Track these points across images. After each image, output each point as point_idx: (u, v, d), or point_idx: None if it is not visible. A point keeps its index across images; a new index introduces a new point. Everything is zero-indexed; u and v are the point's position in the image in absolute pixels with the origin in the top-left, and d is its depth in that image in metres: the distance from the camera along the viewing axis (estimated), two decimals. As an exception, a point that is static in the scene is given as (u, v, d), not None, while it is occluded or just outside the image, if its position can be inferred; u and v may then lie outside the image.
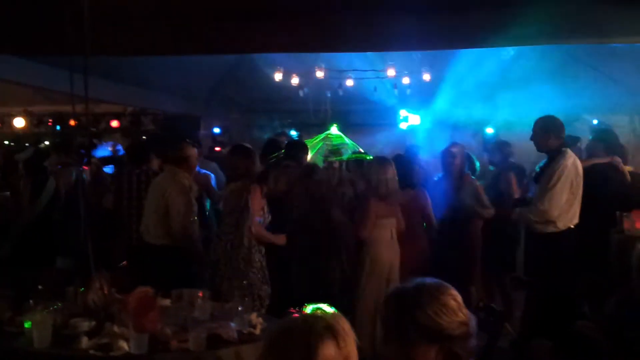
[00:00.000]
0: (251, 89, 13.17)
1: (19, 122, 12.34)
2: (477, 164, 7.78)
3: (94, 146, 10.17)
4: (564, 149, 5.87)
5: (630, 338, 3.59)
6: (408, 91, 11.91)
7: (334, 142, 11.83)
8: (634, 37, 5.98)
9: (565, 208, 5.76)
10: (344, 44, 6.66)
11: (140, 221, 6.45)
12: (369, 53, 10.62)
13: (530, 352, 5.13)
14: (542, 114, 6.10)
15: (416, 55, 11.11)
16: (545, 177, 5.84)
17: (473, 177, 7.34)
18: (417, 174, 7.21)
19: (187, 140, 6.64)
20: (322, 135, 12.59)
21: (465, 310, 2.43)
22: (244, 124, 14.60)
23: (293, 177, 6.47)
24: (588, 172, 6.14)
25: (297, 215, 6.29)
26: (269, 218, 5.90)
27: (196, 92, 13.28)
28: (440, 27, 6.10)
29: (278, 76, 11.44)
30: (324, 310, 2.18)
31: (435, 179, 7.50)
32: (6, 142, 13.14)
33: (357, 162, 7.97)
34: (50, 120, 12.37)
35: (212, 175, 7.49)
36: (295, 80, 11.75)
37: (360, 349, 2.20)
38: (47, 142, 11.69)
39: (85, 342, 3.73)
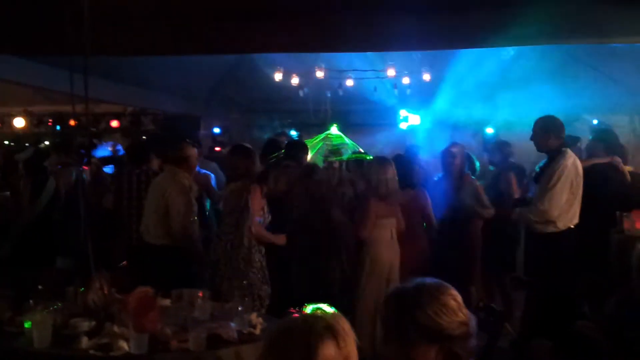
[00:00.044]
0: (251, 89, 13.17)
1: (19, 122, 12.34)
2: (477, 164, 7.78)
3: (94, 146, 10.17)
4: (564, 149, 5.87)
5: (630, 338, 3.59)
6: (408, 91, 11.92)
7: (334, 142, 11.84)
8: (634, 37, 5.98)
9: (565, 208, 5.76)
10: (344, 44, 6.66)
11: (140, 221, 6.45)
12: (368, 53, 10.62)
13: (530, 352, 5.13)
14: (542, 114, 6.10)
15: (416, 55, 11.11)
16: (545, 177, 5.85)
17: (473, 177, 7.35)
18: (417, 174, 7.21)
19: (187, 140, 6.64)
20: (322, 136, 12.59)
21: (465, 310, 2.43)
22: (244, 124, 14.60)
23: (293, 177, 6.47)
24: (588, 172, 6.14)
25: (297, 215, 6.29)
26: (269, 218, 5.90)
27: (196, 92, 13.28)
28: (440, 27, 6.10)
29: (278, 76, 11.44)
30: (323, 310, 2.18)
31: (436, 179, 7.51)
32: (6, 142, 13.14)
33: (357, 162, 7.97)
34: (50, 120, 12.38)
35: (212, 175, 7.49)
36: (295, 80, 11.75)
37: (360, 349, 2.19)
38: (47, 142, 11.69)
39: (85, 342, 3.73)
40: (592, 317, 5.65)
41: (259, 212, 5.76)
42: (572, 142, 6.97)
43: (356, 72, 11.63)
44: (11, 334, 3.96)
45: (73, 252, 6.41)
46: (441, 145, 7.66)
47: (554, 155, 5.86)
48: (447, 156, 7.11)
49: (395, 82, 11.65)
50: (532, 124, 6.05)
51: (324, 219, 6.29)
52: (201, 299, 4.37)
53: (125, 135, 12.17)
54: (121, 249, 7.00)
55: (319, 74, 11.31)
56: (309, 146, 8.17)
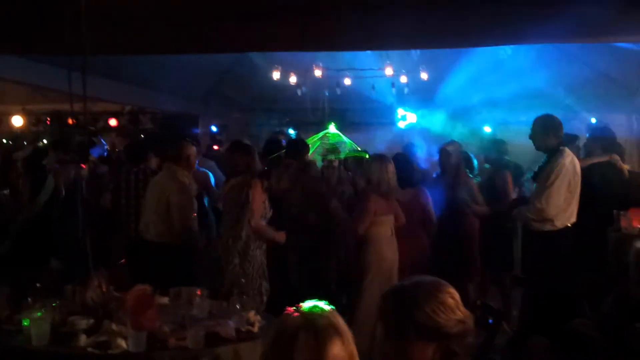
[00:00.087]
0: (249, 88, 13.17)
1: (17, 121, 12.34)
2: (475, 162, 7.79)
3: (93, 145, 10.17)
4: (562, 147, 5.88)
5: (627, 336, 3.60)
6: (406, 90, 11.91)
7: (331, 141, 11.85)
8: (633, 36, 6.00)
9: (563, 207, 5.77)
10: (344, 43, 6.67)
11: (138, 220, 6.45)
12: (366, 52, 10.63)
13: (527, 350, 5.13)
14: (539, 113, 6.11)
15: (414, 54, 11.12)
16: (543, 176, 5.85)
17: (471, 175, 7.36)
18: (417, 173, 7.21)
19: (187, 138, 6.65)
20: (320, 134, 12.60)
21: (463, 308, 2.44)
22: (242, 123, 14.60)
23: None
24: (587, 171, 6.16)
25: (294, 212, 6.30)
26: (270, 213, 5.90)
27: (194, 91, 13.28)
28: (438, 26, 6.11)
29: (276, 75, 11.44)
30: (322, 308, 2.16)
31: (434, 177, 7.53)
32: (4, 141, 13.13)
33: (356, 161, 7.98)
34: (48, 118, 12.37)
35: (210, 174, 7.49)
36: (293, 79, 11.75)
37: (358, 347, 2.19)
38: (45, 141, 11.68)
39: (83, 340, 3.74)
40: (589, 315, 5.66)
41: (260, 207, 5.76)
42: (570, 140, 6.97)
43: (354, 71, 11.63)
44: (9, 332, 3.96)
45: (71, 251, 6.40)
46: (439, 143, 7.69)
47: (552, 154, 5.87)
48: (442, 154, 7.15)
49: (393, 81, 11.65)
50: (530, 122, 6.06)
51: (321, 215, 6.31)
52: (199, 297, 4.37)
53: (121, 134, 12.15)
54: (120, 247, 7.00)
55: (317, 72, 11.31)
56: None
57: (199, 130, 12.30)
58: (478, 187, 7.21)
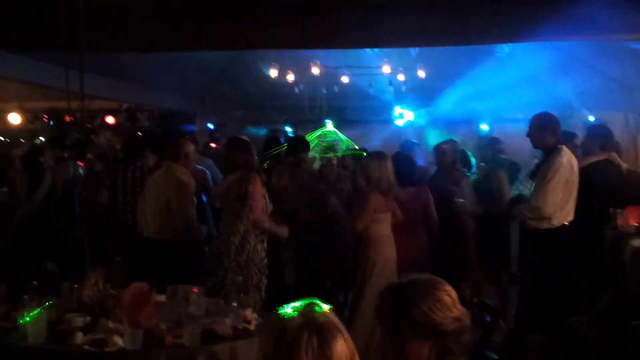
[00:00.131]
0: (247, 85, 13.16)
1: (15, 119, 12.32)
2: (473, 160, 7.80)
3: (90, 142, 10.16)
4: (559, 146, 5.88)
5: (623, 333, 3.61)
6: (403, 88, 11.91)
7: (329, 139, 11.85)
8: (631, 34, 6.00)
9: (560, 205, 5.78)
10: (343, 41, 6.68)
11: (135, 217, 6.44)
12: (364, 50, 10.63)
13: (523, 348, 5.14)
14: (537, 111, 6.11)
15: (412, 52, 11.11)
16: (540, 174, 5.86)
17: (468, 173, 7.38)
18: (418, 171, 7.21)
19: (185, 136, 6.65)
20: (318, 132, 12.60)
21: (459, 306, 2.44)
22: (240, 120, 14.59)
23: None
24: (586, 170, 6.17)
25: (288, 209, 6.29)
26: (271, 207, 5.90)
27: (192, 89, 13.27)
28: (437, 24, 6.12)
29: (274, 73, 11.43)
30: (319, 306, 2.14)
31: (432, 174, 7.55)
32: (2, 139, 13.12)
33: (355, 158, 7.99)
34: (45, 116, 12.36)
35: (208, 172, 7.48)
36: (290, 77, 11.75)
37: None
38: (42, 138, 11.67)
39: (80, 337, 3.73)
40: (586, 313, 5.67)
41: (260, 201, 5.76)
42: (568, 138, 6.98)
43: (351, 68, 11.63)
44: (6, 329, 3.95)
45: (67, 248, 6.40)
46: (436, 141, 7.70)
47: (549, 153, 5.87)
48: (437, 153, 7.17)
49: (390, 79, 11.65)
50: (528, 120, 6.06)
51: (316, 212, 6.31)
52: (196, 295, 4.37)
53: (117, 132, 12.12)
54: (116, 245, 7.00)
55: (315, 70, 11.30)
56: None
57: (195, 128, 12.29)
58: (474, 186, 7.22)
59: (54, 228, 7.05)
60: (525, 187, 6.98)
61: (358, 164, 7.25)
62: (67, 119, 9.47)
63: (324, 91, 12.74)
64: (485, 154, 7.88)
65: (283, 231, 5.95)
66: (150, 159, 7.20)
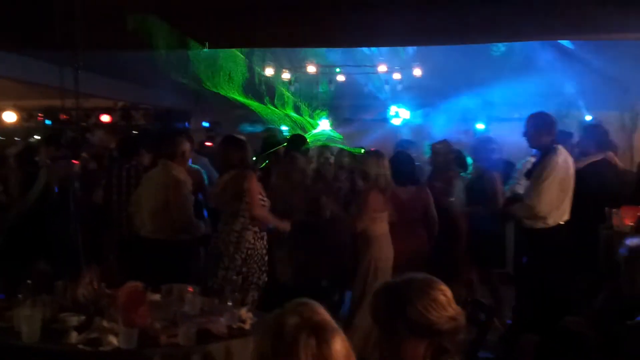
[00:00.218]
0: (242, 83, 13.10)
1: (9, 117, 12.29)
2: (470, 160, 7.79)
3: (85, 140, 10.13)
4: (555, 145, 5.89)
5: (618, 333, 3.61)
6: (399, 87, 11.92)
7: (324, 137, 11.82)
8: (631, 34, 6.01)
9: (555, 204, 5.78)
10: (341, 40, 6.68)
11: (130, 216, 6.43)
12: (360, 48, 10.63)
13: (518, 347, 5.14)
14: (533, 110, 6.11)
15: (408, 51, 11.11)
16: (536, 174, 5.87)
17: (463, 173, 7.38)
18: (418, 170, 7.21)
19: (182, 134, 6.63)
20: (313, 130, 12.57)
21: (454, 305, 2.44)
22: (235, 119, 14.55)
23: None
24: (584, 171, 6.20)
25: (282, 208, 6.28)
26: (268, 203, 5.91)
27: (187, 87, 13.22)
28: (434, 23, 6.12)
29: (269, 71, 11.42)
30: (313, 305, 2.13)
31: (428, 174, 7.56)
32: (-4, 137, 13.10)
33: (352, 156, 7.98)
34: (40, 114, 12.33)
35: (203, 172, 7.46)
36: (286, 76, 11.73)
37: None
38: (37, 137, 11.64)
39: (74, 336, 3.72)
40: (581, 313, 5.68)
41: (258, 197, 5.77)
42: (565, 138, 6.99)
43: (347, 67, 11.62)
44: (0, 328, 3.94)
45: (62, 247, 6.38)
46: (432, 140, 7.71)
47: (546, 152, 5.88)
48: (431, 152, 7.20)
49: (386, 78, 11.65)
50: (524, 119, 6.07)
51: (310, 210, 6.30)
52: (191, 294, 4.36)
53: (110, 130, 12.09)
54: (111, 244, 6.98)
55: (310, 69, 11.30)
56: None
57: (190, 126, 12.27)
58: (468, 186, 7.23)
59: (49, 227, 7.02)
60: (518, 183, 7.01)
61: (355, 163, 7.24)
62: (62, 117, 9.46)
63: (320, 90, 12.73)
64: (478, 154, 7.84)
65: (285, 225, 5.96)
66: (146, 158, 7.18)
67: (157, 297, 4.41)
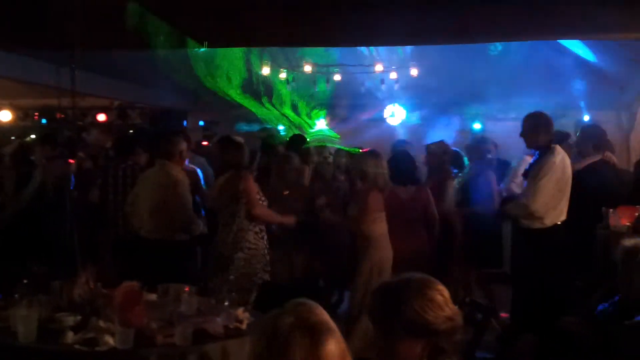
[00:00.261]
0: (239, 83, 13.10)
1: (5, 116, 12.27)
2: (466, 161, 7.79)
3: (81, 140, 10.11)
4: (553, 145, 5.89)
5: (615, 333, 3.61)
6: (396, 86, 11.91)
7: (321, 137, 11.81)
8: (629, 34, 6.02)
9: (552, 204, 5.78)
10: (339, 39, 6.67)
11: (126, 215, 6.41)
12: (357, 47, 10.63)
13: (516, 347, 5.15)
14: (529, 110, 6.11)
15: (406, 50, 11.10)
16: (532, 173, 5.87)
17: (460, 174, 7.38)
18: (418, 171, 7.21)
19: (179, 134, 6.63)
20: (310, 130, 12.56)
21: (451, 305, 2.44)
22: (232, 118, 14.54)
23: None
24: (583, 172, 6.21)
25: (280, 207, 6.28)
26: (266, 202, 5.90)
27: (184, 86, 13.21)
28: (434, 23, 6.12)
29: (266, 70, 11.40)
30: (310, 305, 2.13)
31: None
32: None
33: (349, 156, 7.98)
34: (36, 113, 12.30)
35: (200, 171, 7.45)
36: (282, 75, 11.72)
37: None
38: (33, 136, 11.62)
39: (70, 336, 3.71)
40: (578, 313, 5.68)
41: (256, 197, 5.77)
42: (563, 138, 6.99)
43: (344, 67, 11.61)
44: (-4, 328, 3.94)
45: (58, 247, 6.37)
46: (429, 140, 7.71)
47: (543, 152, 5.88)
48: (426, 153, 7.22)
49: (383, 78, 11.64)
50: (521, 119, 6.07)
51: (304, 210, 6.29)
52: (187, 294, 4.36)
53: (105, 130, 12.07)
54: (107, 244, 6.97)
55: (307, 68, 11.29)
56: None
57: (186, 125, 12.26)
58: (463, 186, 7.23)
59: (45, 226, 7.01)
60: (513, 182, 7.02)
61: (352, 162, 7.24)
62: (58, 116, 9.45)
63: (316, 89, 12.72)
64: (473, 154, 7.84)
65: (289, 220, 5.97)
66: (142, 157, 7.17)
67: (153, 297, 4.41)
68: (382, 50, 10.88)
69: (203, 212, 7.20)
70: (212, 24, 6.21)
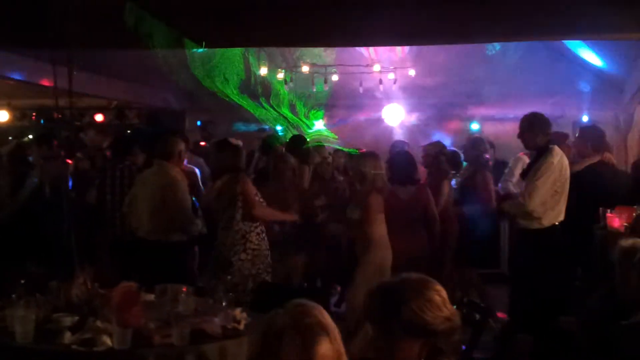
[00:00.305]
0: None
1: (2, 116, 12.25)
2: (464, 163, 7.79)
3: (79, 140, 10.10)
4: (551, 146, 5.89)
5: (612, 333, 3.61)
6: (394, 87, 11.91)
7: (319, 137, 11.80)
8: (629, 34, 6.02)
9: (550, 205, 5.79)
10: (340, 40, 6.67)
11: (124, 216, 6.41)
12: (354, 48, 10.63)
13: (513, 347, 5.15)
14: (527, 110, 6.12)
15: (404, 50, 11.11)
16: (530, 173, 5.88)
17: (458, 174, 7.39)
18: (418, 171, 7.21)
19: (177, 134, 6.62)
20: (308, 130, 12.55)
21: (449, 306, 2.44)
22: (230, 118, 14.53)
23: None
24: (582, 173, 6.21)
25: (279, 207, 6.27)
26: (264, 203, 5.90)
27: (181, 86, 13.20)
28: (428, 22, 6.12)
29: (263, 70, 11.40)
30: (308, 306, 2.13)
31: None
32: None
33: (347, 157, 7.98)
34: (33, 114, 12.28)
35: (198, 171, 7.45)
36: (280, 75, 11.71)
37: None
38: (30, 136, 11.60)
39: (68, 337, 3.70)
40: (575, 313, 5.69)
41: (255, 198, 5.77)
42: (561, 139, 6.99)
43: (341, 67, 11.60)
44: (-7, 329, 3.93)
45: (55, 247, 6.35)
46: (427, 141, 7.72)
47: (541, 153, 5.88)
48: (423, 153, 7.23)
49: (381, 78, 11.64)
50: (518, 119, 6.07)
51: (301, 210, 6.29)
52: (185, 294, 4.35)
53: (102, 130, 12.05)
54: (105, 244, 6.96)
55: (305, 68, 11.29)
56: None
57: (184, 125, 12.24)
58: (460, 186, 7.24)
59: (42, 227, 7.00)
60: (509, 180, 7.02)
61: (351, 164, 7.24)
62: (56, 116, 9.42)
63: (314, 90, 12.71)
64: (467, 155, 7.82)
65: (292, 216, 5.97)
66: (140, 157, 7.16)
67: (151, 297, 4.40)
68: (380, 50, 10.88)
69: (201, 214, 7.20)
70: (210, 24, 6.21)
